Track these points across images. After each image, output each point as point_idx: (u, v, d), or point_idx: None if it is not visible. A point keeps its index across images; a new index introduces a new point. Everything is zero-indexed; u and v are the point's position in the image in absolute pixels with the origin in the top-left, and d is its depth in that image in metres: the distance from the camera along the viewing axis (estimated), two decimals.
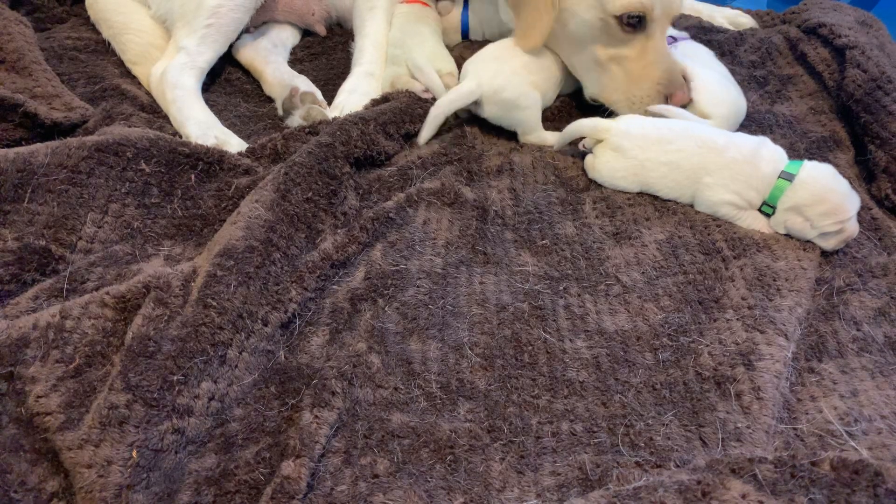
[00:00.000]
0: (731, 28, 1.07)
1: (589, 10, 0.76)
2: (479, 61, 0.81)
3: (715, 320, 0.58)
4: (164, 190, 0.67)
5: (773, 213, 0.68)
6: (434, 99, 0.87)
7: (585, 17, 0.77)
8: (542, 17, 0.77)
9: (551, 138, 0.83)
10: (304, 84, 0.90)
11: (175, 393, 0.47)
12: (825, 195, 0.65)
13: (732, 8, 1.14)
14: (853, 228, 0.66)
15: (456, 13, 1.01)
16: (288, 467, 0.45)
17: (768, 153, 0.69)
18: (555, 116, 0.87)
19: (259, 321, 0.54)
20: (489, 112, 0.81)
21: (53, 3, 1.03)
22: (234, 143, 0.79)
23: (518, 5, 0.79)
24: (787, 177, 0.67)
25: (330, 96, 0.91)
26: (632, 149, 0.73)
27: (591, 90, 0.83)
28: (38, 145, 0.65)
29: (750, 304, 0.59)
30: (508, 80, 0.78)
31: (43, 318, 0.51)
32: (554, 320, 0.59)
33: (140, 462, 0.44)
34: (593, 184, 0.77)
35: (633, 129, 0.74)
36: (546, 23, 0.77)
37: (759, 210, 0.69)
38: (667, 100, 0.77)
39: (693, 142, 0.71)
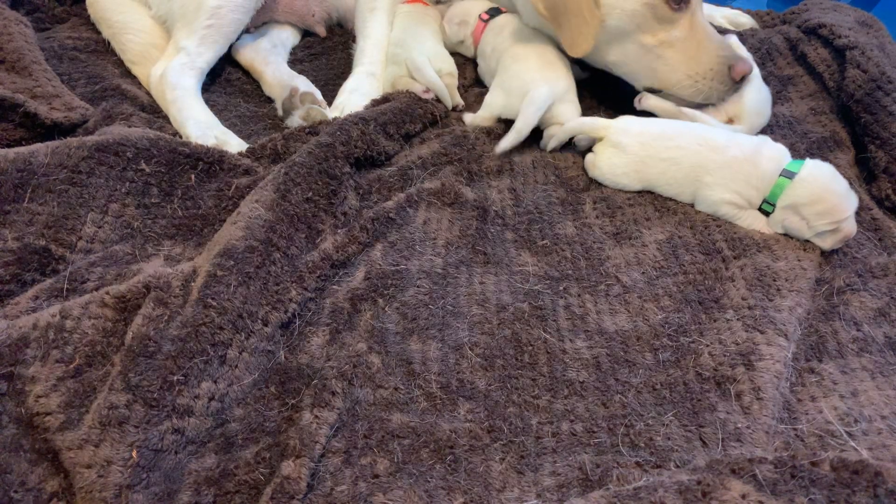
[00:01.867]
0: (730, 28, 1.07)
1: (630, 0, 0.75)
2: (532, 71, 0.79)
3: (715, 320, 0.58)
4: (164, 190, 0.67)
5: (773, 210, 0.68)
6: (437, 98, 0.87)
7: (627, 8, 0.75)
8: (587, 21, 0.75)
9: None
10: (304, 84, 0.90)
11: (175, 393, 0.47)
12: (822, 194, 0.65)
13: (732, 8, 1.14)
14: (850, 228, 0.66)
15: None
16: (288, 467, 0.45)
17: (769, 151, 0.69)
18: None
19: (259, 321, 0.54)
20: (560, 110, 0.79)
21: (53, 2, 1.03)
22: (233, 144, 0.79)
23: (559, 15, 0.77)
24: (789, 175, 0.67)
25: (330, 97, 0.91)
26: (632, 145, 0.73)
27: (645, 82, 0.80)
28: (39, 145, 0.65)
29: (750, 304, 0.58)
30: (568, 78, 0.81)
31: (43, 318, 0.51)
32: (554, 320, 0.59)
33: (140, 462, 0.44)
34: (593, 184, 0.77)
35: (633, 125, 0.74)
36: (594, 26, 0.75)
37: (760, 209, 0.69)
38: (730, 70, 0.74)
39: (693, 139, 0.71)
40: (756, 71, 0.81)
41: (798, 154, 0.79)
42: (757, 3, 1.42)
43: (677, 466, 0.46)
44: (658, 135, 0.72)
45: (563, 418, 0.50)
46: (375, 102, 0.85)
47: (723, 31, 1.04)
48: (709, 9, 1.12)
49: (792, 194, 0.66)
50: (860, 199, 0.71)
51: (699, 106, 0.79)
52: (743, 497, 0.41)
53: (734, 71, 0.75)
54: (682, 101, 0.79)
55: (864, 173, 0.78)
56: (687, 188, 0.72)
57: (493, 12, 0.93)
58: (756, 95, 0.79)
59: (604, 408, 0.51)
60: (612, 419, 0.50)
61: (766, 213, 0.69)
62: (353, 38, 1.00)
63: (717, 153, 0.70)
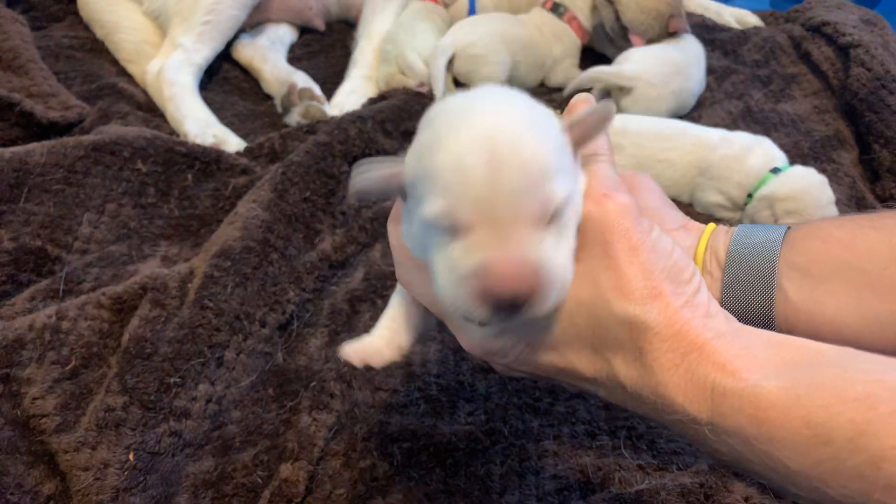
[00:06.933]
0: (737, 26, 1.07)
1: None
2: (456, 25, 0.89)
3: None
4: (161, 190, 0.67)
5: (750, 202, 0.67)
6: (431, 93, 0.86)
7: None
8: None
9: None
10: (302, 80, 0.89)
11: (172, 395, 0.47)
12: (801, 195, 0.64)
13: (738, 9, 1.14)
14: None
15: (463, 2, 1.00)
16: (286, 470, 0.44)
17: (763, 150, 0.69)
18: None
19: (256, 322, 0.54)
20: (458, 67, 0.86)
21: (50, 0, 1.03)
22: (232, 142, 0.78)
23: None
24: (777, 172, 0.67)
25: (330, 95, 0.90)
26: (628, 146, 0.73)
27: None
28: (35, 145, 0.64)
29: None
30: (480, 37, 0.86)
31: (39, 319, 0.50)
32: None
33: (137, 465, 0.44)
34: None
35: (630, 125, 0.74)
36: None
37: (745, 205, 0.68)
38: (669, 19, 0.85)
39: (688, 140, 0.71)
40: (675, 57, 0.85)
41: (802, 152, 0.79)
42: (760, 3, 1.41)
43: (680, 469, 0.46)
44: (653, 136, 0.72)
45: (565, 421, 0.50)
46: (373, 101, 0.84)
47: (726, 30, 1.03)
48: (717, 7, 1.12)
49: (773, 186, 0.65)
50: (864, 199, 0.70)
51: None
52: (745, 500, 0.40)
53: (671, 21, 0.85)
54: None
55: (869, 172, 0.78)
56: (684, 189, 0.72)
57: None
58: (656, 59, 0.82)
59: (605, 410, 0.51)
60: (614, 421, 0.50)
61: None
62: (355, 33, 0.99)
63: (708, 152, 0.69)
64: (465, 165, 0.27)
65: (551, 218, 0.27)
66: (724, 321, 0.29)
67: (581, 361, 0.30)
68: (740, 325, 0.29)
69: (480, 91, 0.31)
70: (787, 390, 0.25)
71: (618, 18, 0.88)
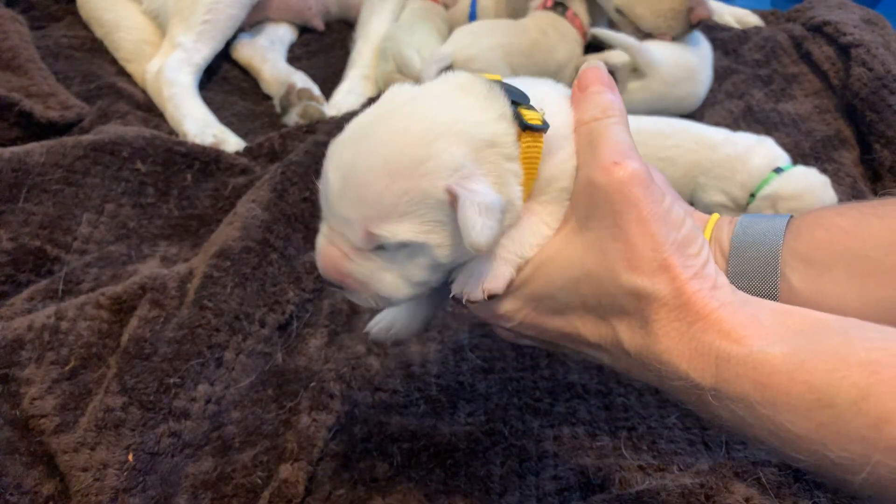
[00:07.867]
0: (737, 26, 1.06)
1: None
2: (458, 32, 0.86)
3: None
4: (160, 189, 0.66)
5: (752, 202, 0.67)
6: None
7: None
8: None
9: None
10: (301, 80, 0.89)
11: (171, 396, 0.47)
12: (804, 194, 0.64)
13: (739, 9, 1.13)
14: None
15: (464, 3, 1.00)
16: (286, 471, 0.44)
17: (765, 150, 0.68)
18: None
19: (256, 323, 0.54)
20: None
21: (49, 0, 1.03)
22: (231, 142, 0.78)
23: None
24: (780, 171, 0.66)
25: (329, 95, 0.90)
26: None
27: (617, 1, 0.85)
28: (34, 144, 0.64)
29: None
30: (481, 52, 0.82)
31: (38, 319, 0.50)
32: None
33: (136, 465, 0.43)
34: None
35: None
36: None
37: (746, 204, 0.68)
38: (688, 12, 0.80)
39: (690, 137, 0.70)
40: (702, 53, 0.83)
41: (802, 152, 0.79)
42: (762, 2, 1.41)
43: (680, 470, 0.46)
44: (655, 133, 0.72)
45: (565, 421, 0.50)
46: (371, 100, 0.84)
47: (727, 30, 1.03)
48: (717, 7, 1.12)
49: (776, 185, 0.65)
50: (865, 199, 0.70)
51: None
52: (746, 500, 0.40)
53: (692, 14, 0.80)
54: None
55: (870, 172, 0.78)
56: (685, 188, 0.71)
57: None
58: (675, 60, 0.80)
59: (606, 410, 0.50)
60: (615, 422, 0.49)
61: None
62: (354, 34, 0.99)
63: (711, 151, 0.69)
64: (328, 168, 0.32)
65: (379, 246, 0.31)
66: (731, 292, 0.29)
67: (586, 327, 0.31)
68: (746, 295, 0.29)
69: (411, 103, 0.32)
70: (790, 356, 0.25)
71: (638, 28, 0.85)
